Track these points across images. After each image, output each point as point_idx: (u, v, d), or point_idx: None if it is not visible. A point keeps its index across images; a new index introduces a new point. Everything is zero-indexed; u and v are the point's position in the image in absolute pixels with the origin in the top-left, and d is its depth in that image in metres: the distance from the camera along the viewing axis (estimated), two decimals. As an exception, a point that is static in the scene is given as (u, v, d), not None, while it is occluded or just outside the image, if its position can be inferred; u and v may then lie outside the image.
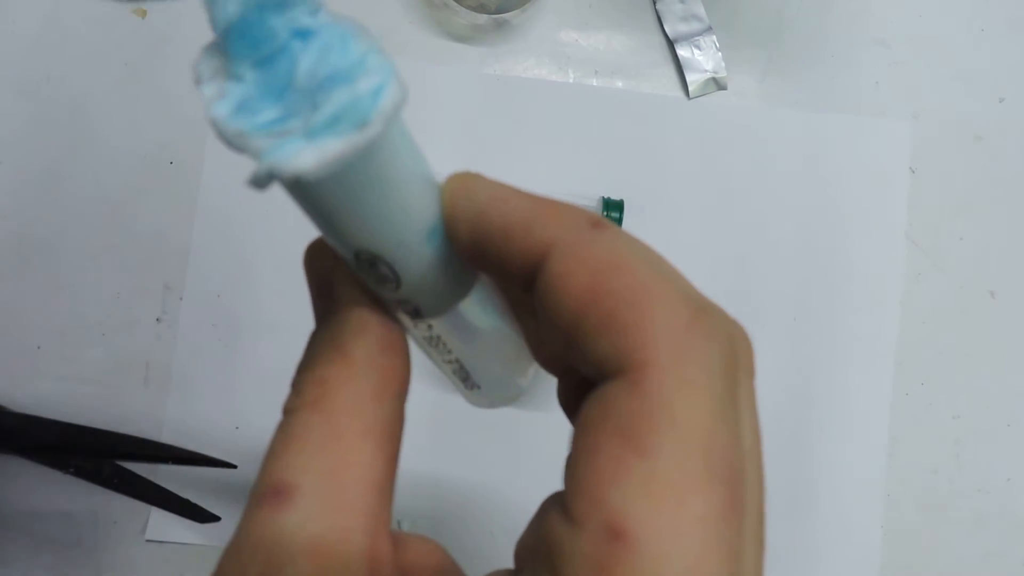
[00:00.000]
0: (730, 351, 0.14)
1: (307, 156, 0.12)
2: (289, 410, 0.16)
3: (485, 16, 0.47)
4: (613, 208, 0.44)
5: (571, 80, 0.48)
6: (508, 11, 0.47)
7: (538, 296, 0.14)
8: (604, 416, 0.13)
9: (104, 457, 0.42)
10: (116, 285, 0.45)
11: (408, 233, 0.16)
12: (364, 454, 0.15)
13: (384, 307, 0.18)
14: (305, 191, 0.14)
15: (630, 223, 0.45)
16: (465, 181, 0.17)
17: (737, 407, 0.13)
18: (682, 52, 0.48)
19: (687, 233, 0.47)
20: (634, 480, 0.12)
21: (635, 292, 0.13)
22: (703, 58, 0.47)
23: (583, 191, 0.46)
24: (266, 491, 0.15)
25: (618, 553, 0.12)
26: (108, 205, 0.45)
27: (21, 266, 0.44)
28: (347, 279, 0.17)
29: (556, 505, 0.13)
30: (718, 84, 0.48)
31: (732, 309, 0.52)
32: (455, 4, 0.46)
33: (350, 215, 0.15)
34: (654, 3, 0.48)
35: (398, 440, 0.16)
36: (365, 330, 0.17)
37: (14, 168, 0.45)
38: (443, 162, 0.51)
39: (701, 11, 0.48)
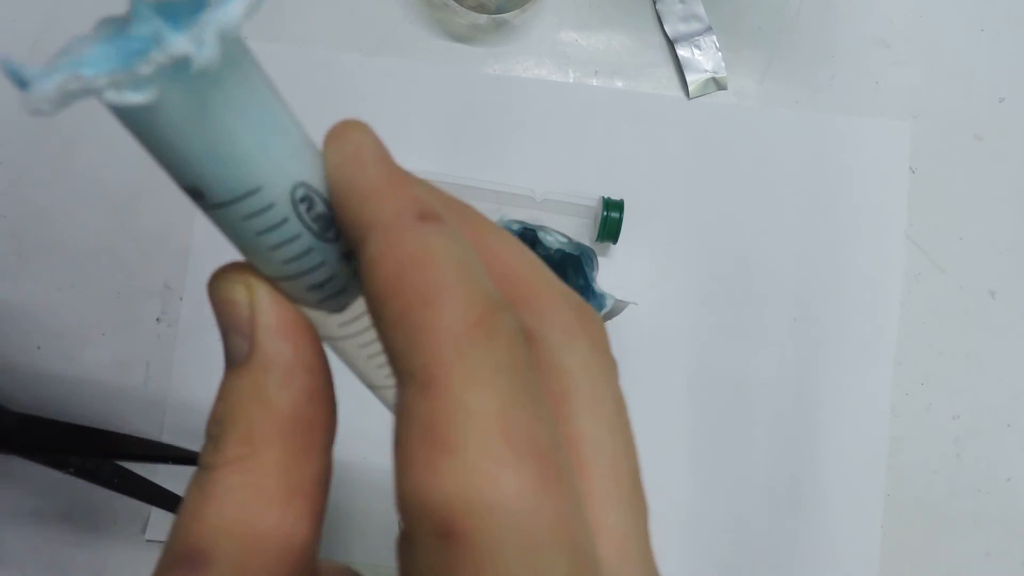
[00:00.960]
0: (516, 342, 0.13)
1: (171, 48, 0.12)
2: (208, 466, 0.15)
3: (485, 16, 0.47)
4: (613, 208, 0.44)
5: (571, 80, 0.48)
6: (508, 11, 0.47)
7: (359, 265, 0.14)
8: (407, 423, 0.13)
9: (104, 457, 0.42)
10: (116, 285, 0.45)
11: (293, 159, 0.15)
12: (288, 516, 0.15)
13: (307, 330, 0.16)
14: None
15: (630, 223, 0.45)
16: (341, 129, 0.16)
17: (535, 391, 0.13)
18: (682, 52, 0.48)
19: (687, 233, 0.47)
20: (448, 478, 0.12)
21: (430, 291, 0.13)
22: (703, 58, 0.47)
23: (583, 191, 0.46)
24: (178, 557, 0.14)
25: (454, 552, 0.12)
26: (108, 205, 0.45)
27: (21, 266, 0.44)
28: (268, 307, 0.16)
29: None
30: (718, 84, 0.48)
31: (732, 309, 0.52)
32: (455, 4, 0.46)
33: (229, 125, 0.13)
34: (654, 3, 0.48)
35: (326, 492, 0.16)
36: (291, 378, 0.15)
37: (14, 168, 0.45)
38: (443, 162, 0.51)
39: (701, 11, 0.48)
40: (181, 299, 0.44)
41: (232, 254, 0.17)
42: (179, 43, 0.12)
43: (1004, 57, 0.49)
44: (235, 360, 0.16)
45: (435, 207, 0.15)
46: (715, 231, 0.47)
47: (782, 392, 0.46)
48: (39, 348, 0.44)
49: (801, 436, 0.46)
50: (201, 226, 0.45)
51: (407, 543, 0.13)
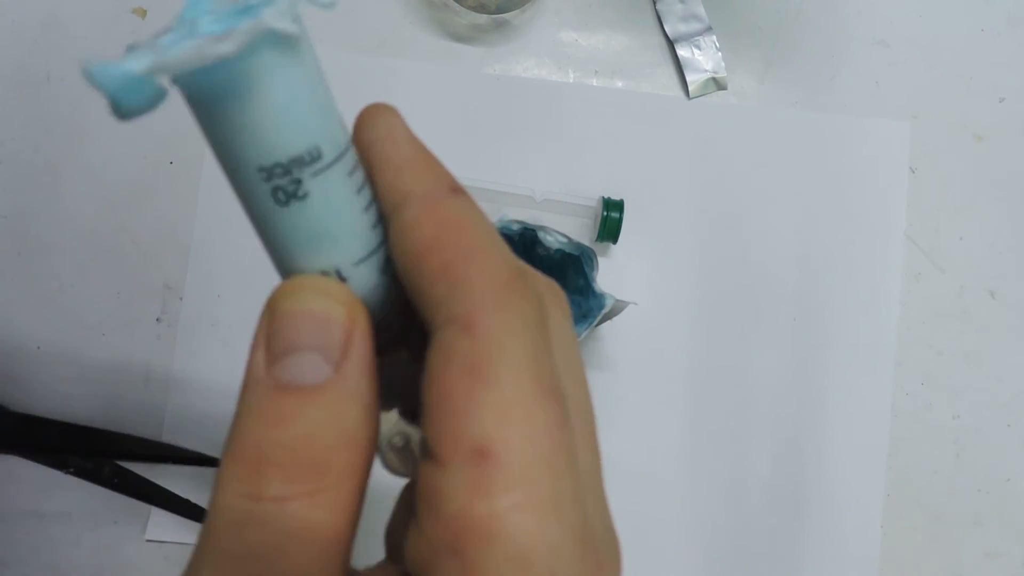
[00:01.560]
0: (539, 305, 0.16)
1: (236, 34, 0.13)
2: (280, 497, 0.14)
3: (485, 16, 0.47)
4: (613, 208, 0.44)
5: (571, 80, 0.48)
6: (508, 11, 0.47)
7: (390, 238, 0.16)
8: (448, 360, 0.14)
9: (104, 457, 0.42)
10: (116, 285, 0.45)
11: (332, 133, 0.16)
12: (349, 549, 0.15)
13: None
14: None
15: (630, 223, 0.45)
16: (375, 110, 0.17)
17: (550, 346, 0.16)
18: (682, 52, 0.48)
19: (687, 233, 0.47)
20: (486, 407, 0.14)
21: (470, 249, 0.15)
22: (703, 58, 0.47)
23: (583, 191, 0.46)
24: None
25: (487, 470, 0.14)
26: (108, 205, 0.45)
27: (21, 266, 0.44)
28: (367, 333, 0.15)
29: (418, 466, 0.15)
30: (718, 84, 0.48)
31: (732, 309, 0.52)
32: (455, 4, 0.46)
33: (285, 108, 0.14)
34: (654, 3, 0.48)
35: None
36: (371, 411, 0.15)
37: (14, 168, 0.45)
38: (444, 162, 0.51)
39: (701, 11, 0.48)
40: (181, 299, 0.44)
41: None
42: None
43: (1004, 57, 0.49)
44: (302, 382, 0.15)
45: (459, 182, 0.17)
46: (715, 231, 0.47)
47: (782, 392, 0.46)
48: (39, 348, 0.44)
49: (801, 436, 0.46)
50: (201, 226, 0.45)
51: (436, 465, 0.14)
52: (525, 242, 0.43)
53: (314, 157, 0.15)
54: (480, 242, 0.15)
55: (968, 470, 0.47)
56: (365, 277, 0.16)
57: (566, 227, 0.45)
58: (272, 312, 0.15)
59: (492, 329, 0.14)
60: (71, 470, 0.42)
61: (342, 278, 0.16)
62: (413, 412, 0.19)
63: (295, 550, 0.14)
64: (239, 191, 0.16)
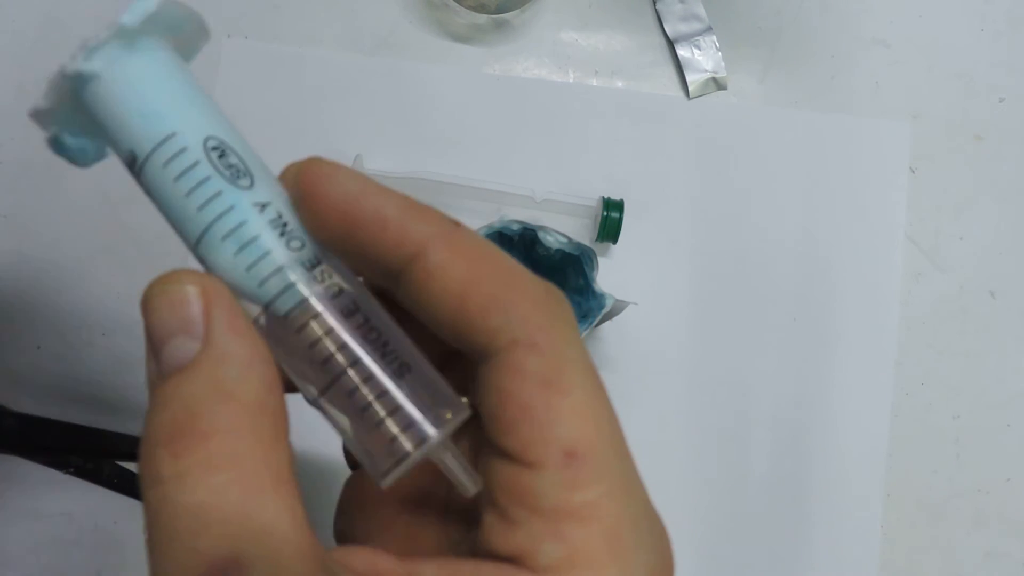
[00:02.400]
0: (568, 305, 0.17)
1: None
2: (180, 474, 0.15)
3: (485, 16, 0.47)
4: (613, 208, 0.44)
5: (571, 80, 0.48)
6: (508, 11, 0.47)
7: (414, 284, 0.17)
8: (522, 377, 0.16)
9: (104, 457, 0.42)
10: (116, 285, 0.45)
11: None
12: (283, 504, 0.15)
13: (251, 324, 0.16)
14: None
15: (630, 223, 0.45)
16: (325, 167, 0.17)
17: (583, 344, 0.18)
18: (682, 52, 0.48)
19: (687, 233, 0.47)
20: (566, 413, 0.16)
21: (506, 276, 0.17)
22: (703, 58, 0.47)
23: (583, 191, 0.46)
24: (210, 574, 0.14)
25: (577, 468, 0.16)
26: (108, 205, 0.45)
27: (21, 266, 0.44)
28: (222, 301, 0.16)
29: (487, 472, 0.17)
30: (718, 84, 0.48)
31: (732, 309, 0.52)
32: (455, 4, 0.46)
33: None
34: (654, 3, 0.48)
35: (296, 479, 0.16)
36: (250, 369, 0.16)
37: (14, 168, 0.45)
38: (444, 162, 0.51)
39: (701, 11, 0.48)
40: (181, 299, 0.44)
41: None
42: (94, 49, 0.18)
43: (1004, 57, 0.49)
44: (178, 364, 0.16)
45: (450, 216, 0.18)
46: (715, 231, 0.47)
47: (782, 392, 0.46)
48: (39, 348, 0.44)
49: (801, 436, 0.46)
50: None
51: (527, 468, 0.16)
52: (525, 242, 0.43)
53: (135, 158, 0.18)
54: (508, 266, 0.17)
55: (968, 470, 0.47)
56: (211, 257, 0.18)
57: (566, 227, 0.45)
58: (143, 314, 0.16)
59: (554, 343, 0.16)
60: (71, 470, 0.42)
61: (200, 258, 0.18)
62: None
63: (211, 518, 0.15)
64: None
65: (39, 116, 0.19)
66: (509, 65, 0.47)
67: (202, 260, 0.18)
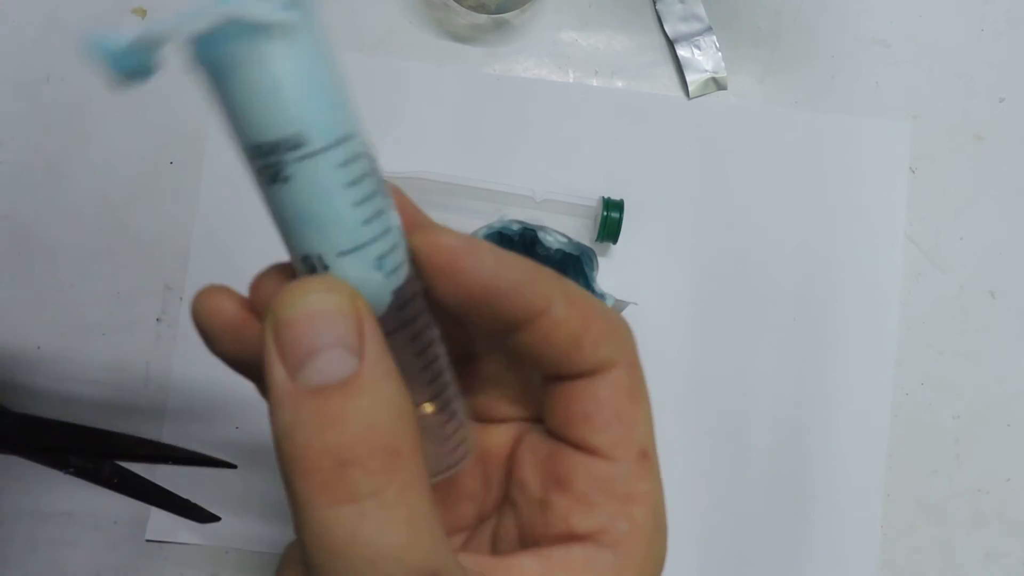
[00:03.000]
0: (630, 327, 0.21)
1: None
2: (374, 492, 0.15)
3: (485, 16, 0.47)
4: (613, 208, 0.44)
5: (571, 80, 0.48)
6: (508, 11, 0.47)
7: (539, 334, 0.19)
8: (617, 389, 0.20)
9: (104, 457, 0.42)
10: (116, 285, 0.45)
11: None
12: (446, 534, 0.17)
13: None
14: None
15: (630, 223, 0.45)
16: (459, 241, 0.18)
17: None
18: (682, 52, 0.48)
19: (687, 233, 0.47)
20: (643, 421, 0.20)
21: (605, 317, 0.20)
22: (703, 58, 0.47)
23: (583, 191, 0.46)
24: None
25: (646, 465, 0.20)
26: (108, 205, 0.45)
27: (21, 266, 0.44)
28: (371, 314, 0.16)
29: (561, 464, 0.20)
30: (718, 84, 0.48)
31: (732, 309, 0.52)
32: (455, 4, 0.46)
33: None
34: (654, 3, 0.48)
35: None
36: (404, 387, 0.16)
37: (14, 168, 0.45)
38: (444, 162, 0.51)
39: (701, 11, 0.48)
40: (181, 299, 0.44)
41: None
42: None
43: (1004, 57, 0.49)
44: (334, 378, 0.15)
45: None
46: (715, 231, 0.47)
47: (782, 392, 0.46)
48: (39, 348, 0.44)
49: (801, 436, 0.46)
50: (201, 226, 0.45)
51: (608, 461, 0.19)
52: (525, 242, 0.43)
53: (297, 144, 0.15)
54: (603, 308, 0.20)
55: (968, 470, 0.47)
56: (351, 269, 0.16)
57: (566, 227, 0.45)
58: (277, 325, 0.15)
59: (636, 363, 0.20)
60: (71, 470, 0.42)
61: (324, 266, 0.16)
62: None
63: (412, 539, 0.15)
64: (243, 163, 0.16)
65: (151, 39, 0.14)
66: (509, 65, 0.47)
67: (330, 269, 0.16)
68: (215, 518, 0.42)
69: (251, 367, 0.19)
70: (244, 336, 0.18)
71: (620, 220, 0.44)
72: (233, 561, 0.43)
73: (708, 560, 0.45)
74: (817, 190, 0.48)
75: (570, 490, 0.19)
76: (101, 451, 0.42)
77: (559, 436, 0.20)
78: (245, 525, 0.43)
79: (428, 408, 0.19)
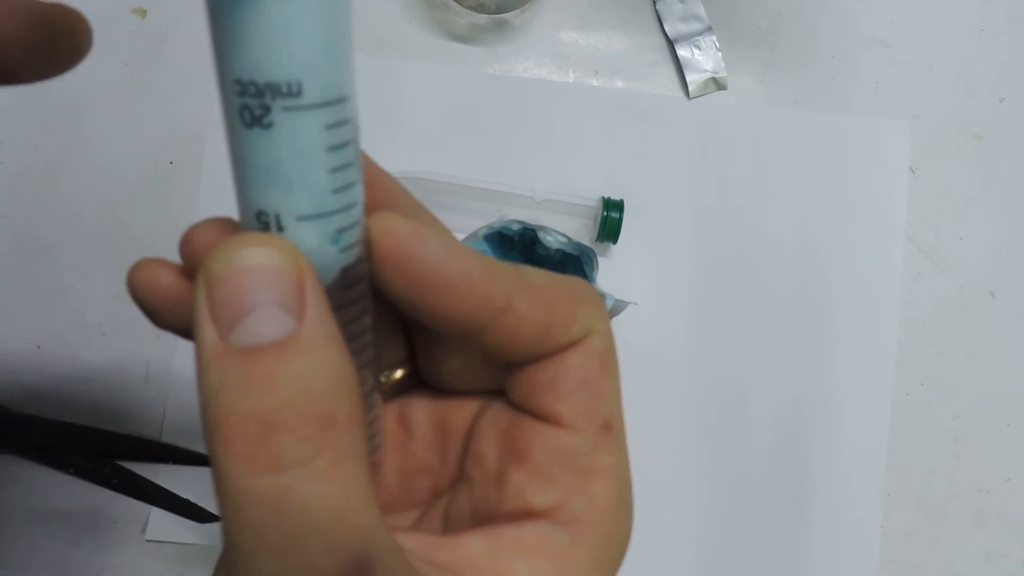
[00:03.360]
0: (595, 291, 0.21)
1: None
2: (305, 460, 0.14)
3: (485, 16, 0.47)
4: (613, 208, 0.44)
5: (571, 80, 0.48)
6: (508, 11, 0.47)
7: (505, 332, 0.18)
8: (590, 357, 0.19)
9: (104, 457, 0.42)
10: (116, 285, 0.45)
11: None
12: (377, 507, 0.15)
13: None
14: None
15: (630, 223, 0.45)
16: (407, 227, 0.17)
17: None
18: (682, 52, 0.48)
19: (687, 233, 0.47)
20: (610, 392, 0.19)
21: (569, 293, 0.19)
22: (703, 58, 0.47)
23: (583, 191, 0.46)
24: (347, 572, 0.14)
25: (609, 438, 0.19)
26: (108, 205, 0.45)
27: (21, 266, 0.44)
28: (313, 275, 0.15)
29: (524, 438, 0.19)
30: (718, 84, 0.48)
31: (732, 309, 0.52)
32: (455, 4, 0.46)
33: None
34: (654, 3, 0.48)
35: None
36: (348, 353, 0.15)
37: (14, 168, 0.45)
38: (444, 162, 0.51)
39: (701, 11, 0.48)
40: (181, 299, 0.44)
41: None
42: None
43: (1004, 57, 0.49)
44: (268, 338, 0.14)
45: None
46: (715, 231, 0.47)
47: (782, 392, 0.46)
48: (39, 348, 0.44)
49: (801, 436, 0.46)
50: (201, 226, 0.45)
51: (569, 431, 0.18)
52: (525, 242, 0.43)
53: (291, 91, 0.14)
54: (566, 283, 0.19)
55: (968, 470, 0.47)
56: (306, 237, 0.15)
57: (566, 227, 0.45)
58: (209, 280, 0.14)
59: (609, 330, 0.19)
60: (71, 470, 0.42)
61: (279, 227, 0.15)
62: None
63: (342, 516, 0.14)
64: (220, 96, 0.15)
65: None
66: (509, 65, 0.47)
67: (284, 231, 0.15)
68: (215, 518, 0.42)
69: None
70: (184, 307, 0.17)
71: (620, 220, 0.44)
72: (233, 561, 0.43)
73: (708, 560, 0.45)
74: (817, 190, 0.48)
75: (528, 463, 0.18)
76: (101, 451, 0.42)
77: (521, 407, 0.19)
78: (245, 525, 0.43)
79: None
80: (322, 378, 0.14)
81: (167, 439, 0.43)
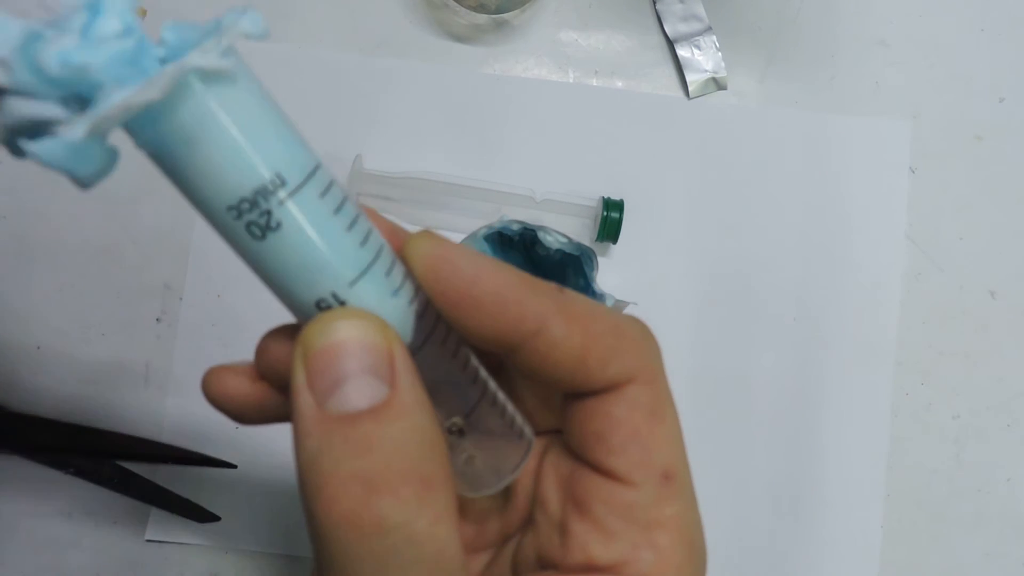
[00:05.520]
0: (654, 336, 0.19)
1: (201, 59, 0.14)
2: (407, 523, 0.14)
3: (485, 16, 0.47)
4: (613, 208, 0.44)
5: (571, 80, 0.48)
6: (508, 11, 0.47)
7: (537, 355, 0.17)
8: (634, 407, 0.18)
9: (104, 457, 0.42)
10: (116, 285, 0.45)
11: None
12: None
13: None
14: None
15: (630, 223, 0.45)
16: (440, 248, 0.17)
17: None
18: (682, 52, 0.48)
19: (687, 233, 0.47)
20: (664, 439, 0.18)
21: (614, 328, 0.18)
22: (703, 58, 0.47)
23: (583, 191, 0.46)
24: None
25: (670, 487, 0.18)
26: (108, 205, 0.45)
27: (21, 266, 0.44)
28: (402, 346, 0.16)
29: (582, 488, 0.18)
30: (718, 84, 0.48)
31: (732, 309, 0.52)
32: (455, 4, 0.46)
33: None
34: (654, 3, 0.48)
35: None
36: (436, 418, 0.16)
37: (14, 168, 0.45)
38: (444, 162, 0.51)
39: (701, 11, 0.48)
40: (181, 299, 0.44)
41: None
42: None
43: (1004, 57, 0.49)
44: (364, 405, 0.15)
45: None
46: (715, 231, 0.47)
47: (782, 392, 0.46)
48: (39, 348, 0.44)
49: (801, 436, 0.46)
50: (201, 226, 0.45)
51: (627, 486, 0.18)
52: (525, 242, 0.43)
53: (277, 185, 0.15)
54: (612, 317, 0.18)
55: (968, 470, 0.47)
56: (365, 295, 0.16)
57: (566, 227, 0.45)
58: (307, 352, 0.15)
59: (657, 378, 0.18)
60: (71, 470, 0.42)
61: (340, 301, 0.16)
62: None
63: (440, 572, 0.14)
64: (217, 231, 0.15)
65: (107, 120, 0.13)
66: (509, 65, 0.47)
67: (345, 301, 0.16)
68: (215, 518, 0.42)
69: (282, 420, 0.19)
70: (264, 406, 0.18)
71: (620, 220, 0.44)
72: (233, 561, 0.43)
73: (708, 560, 0.45)
74: (817, 190, 0.48)
75: (588, 515, 0.18)
76: (101, 451, 0.42)
77: (577, 455, 0.19)
78: (245, 525, 0.43)
79: (483, 408, 0.18)
80: (416, 442, 0.15)
81: (167, 439, 0.43)
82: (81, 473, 0.42)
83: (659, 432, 0.18)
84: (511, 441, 0.19)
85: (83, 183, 0.14)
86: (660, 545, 0.18)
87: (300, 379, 0.15)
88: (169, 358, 0.44)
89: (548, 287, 0.18)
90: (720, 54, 0.48)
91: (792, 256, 0.47)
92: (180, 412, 0.44)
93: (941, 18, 0.49)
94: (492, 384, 0.19)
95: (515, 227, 0.41)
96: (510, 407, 0.19)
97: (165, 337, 0.44)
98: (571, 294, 0.18)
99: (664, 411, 0.18)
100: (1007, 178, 0.49)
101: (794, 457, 0.46)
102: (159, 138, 0.14)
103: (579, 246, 0.41)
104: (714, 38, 0.48)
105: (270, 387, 0.18)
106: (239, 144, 0.14)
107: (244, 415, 0.19)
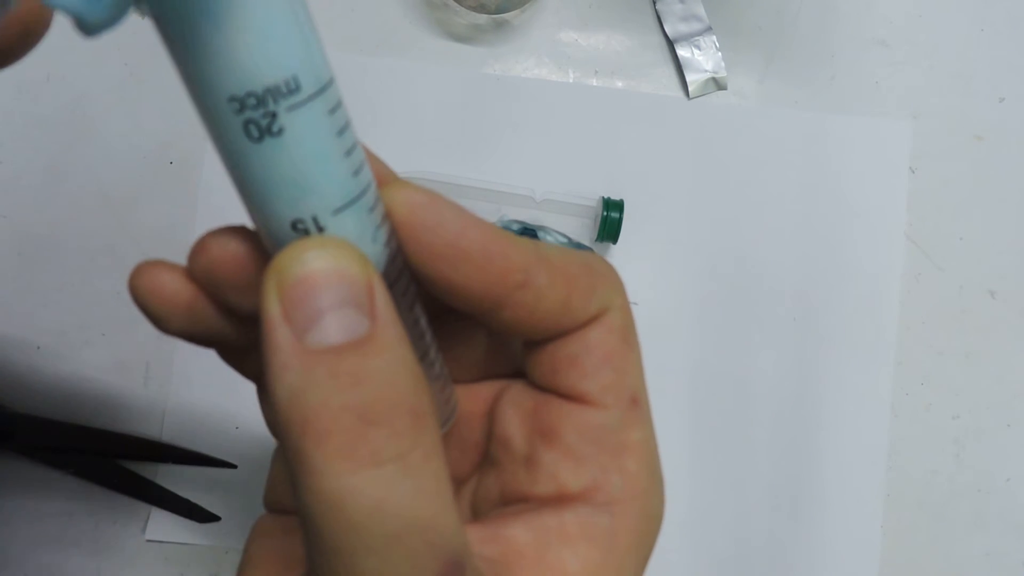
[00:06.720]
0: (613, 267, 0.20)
1: None
2: (401, 455, 0.14)
3: (485, 16, 0.47)
4: (613, 208, 0.44)
5: (571, 80, 0.48)
6: (508, 11, 0.47)
7: (524, 308, 0.17)
8: (607, 333, 0.18)
9: (104, 457, 0.42)
10: (116, 285, 0.45)
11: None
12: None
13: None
14: None
15: (630, 223, 0.45)
16: (421, 196, 0.16)
17: None
18: (682, 52, 0.48)
19: (687, 233, 0.47)
20: (633, 364, 0.19)
21: (587, 268, 0.18)
22: (703, 58, 0.47)
23: (583, 191, 0.46)
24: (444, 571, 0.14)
25: (637, 412, 0.19)
26: (108, 204, 0.45)
27: (21, 266, 0.44)
28: (380, 279, 0.15)
29: (550, 413, 0.19)
30: (718, 84, 0.48)
31: (732, 309, 0.52)
32: (455, 4, 0.46)
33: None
34: (654, 3, 0.48)
35: None
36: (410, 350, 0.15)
37: (14, 168, 0.45)
38: (444, 162, 0.51)
39: (701, 11, 0.48)
40: (181, 299, 0.44)
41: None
42: None
43: (1004, 57, 0.49)
44: (345, 338, 0.14)
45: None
46: (715, 231, 0.47)
47: (782, 392, 0.46)
48: (39, 348, 0.44)
49: (801, 436, 0.46)
50: (201, 226, 0.45)
51: (598, 409, 0.18)
52: (525, 242, 0.43)
53: (291, 89, 0.13)
54: (582, 258, 0.19)
55: (968, 470, 0.47)
56: (345, 227, 0.15)
57: (566, 227, 0.45)
58: (282, 282, 0.14)
59: (627, 305, 0.19)
60: (71, 470, 0.42)
61: (319, 227, 0.15)
62: None
63: (439, 513, 0.14)
64: (208, 123, 0.14)
65: None
66: (509, 65, 0.47)
67: (325, 230, 0.15)
68: (215, 518, 0.42)
69: (204, 338, 0.18)
70: (194, 310, 0.17)
71: (620, 220, 0.44)
72: (233, 561, 0.43)
73: (707, 559, 0.45)
74: (817, 190, 0.48)
75: (558, 443, 0.18)
76: (101, 451, 0.42)
77: (545, 386, 0.19)
78: (245, 525, 0.43)
79: (423, 366, 0.18)
80: (404, 374, 0.14)
81: (167, 439, 0.43)
82: (81, 473, 0.42)
83: (629, 358, 0.19)
84: (440, 399, 0.19)
85: (90, 28, 0.12)
86: (628, 470, 0.18)
87: (274, 310, 0.14)
88: (169, 358, 0.44)
89: (525, 240, 0.18)
90: (720, 54, 0.48)
91: (792, 256, 0.47)
92: (180, 412, 0.44)
93: (941, 18, 0.49)
94: (434, 346, 0.19)
95: (515, 227, 0.41)
96: (441, 368, 0.19)
97: (165, 337, 0.44)
98: (544, 244, 0.18)
99: (633, 338, 0.19)
100: (1007, 178, 0.49)
101: (794, 457, 0.46)
102: (179, 2, 0.13)
103: (579, 246, 0.41)
104: (714, 38, 0.48)
105: (202, 292, 0.17)
106: (266, 34, 0.13)
107: (170, 319, 0.18)
